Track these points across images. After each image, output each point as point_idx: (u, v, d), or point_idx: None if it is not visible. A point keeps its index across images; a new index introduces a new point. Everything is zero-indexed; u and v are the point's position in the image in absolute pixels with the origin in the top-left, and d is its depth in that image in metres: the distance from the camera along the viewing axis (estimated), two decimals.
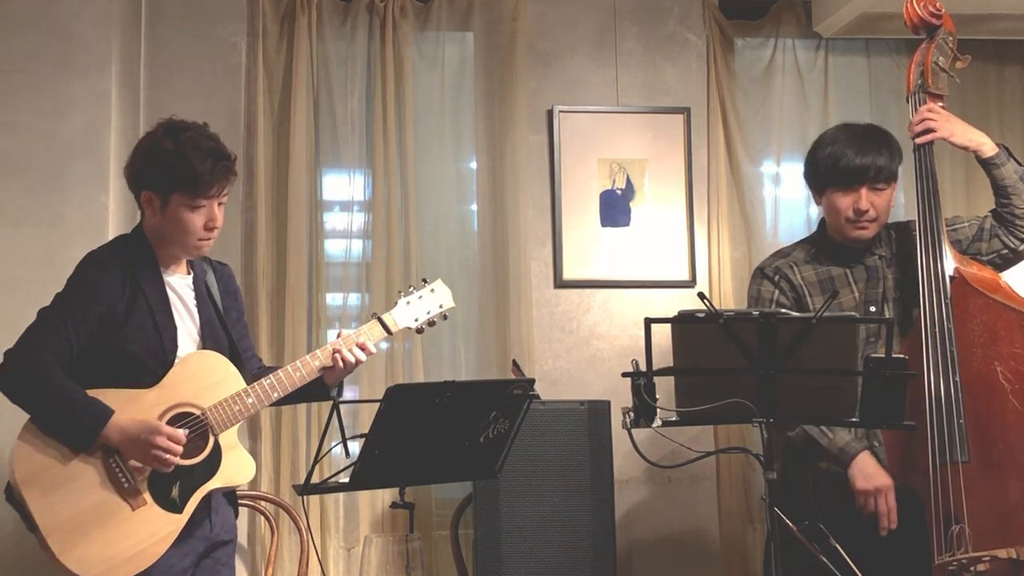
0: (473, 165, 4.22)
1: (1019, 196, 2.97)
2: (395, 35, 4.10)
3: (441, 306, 2.97)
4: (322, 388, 2.82)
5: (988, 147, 2.98)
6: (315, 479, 2.65)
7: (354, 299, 4.07)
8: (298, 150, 3.99)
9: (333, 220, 4.13)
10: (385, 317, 2.90)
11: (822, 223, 3.17)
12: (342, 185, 4.14)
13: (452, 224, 4.20)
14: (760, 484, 3.79)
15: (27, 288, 3.52)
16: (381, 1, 4.11)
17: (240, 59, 4.08)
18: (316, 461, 2.75)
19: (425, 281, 3.00)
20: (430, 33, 4.20)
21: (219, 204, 2.68)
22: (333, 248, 4.11)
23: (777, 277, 3.09)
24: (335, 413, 2.70)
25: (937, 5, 3.07)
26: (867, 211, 2.98)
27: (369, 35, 4.14)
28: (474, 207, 4.21)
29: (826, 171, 3.03)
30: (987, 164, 2.98)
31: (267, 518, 3.63)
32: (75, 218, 3.59)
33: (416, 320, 2.94)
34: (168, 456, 2.51)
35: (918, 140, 2.99)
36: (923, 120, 2.99)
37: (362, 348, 2.81)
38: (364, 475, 2.64)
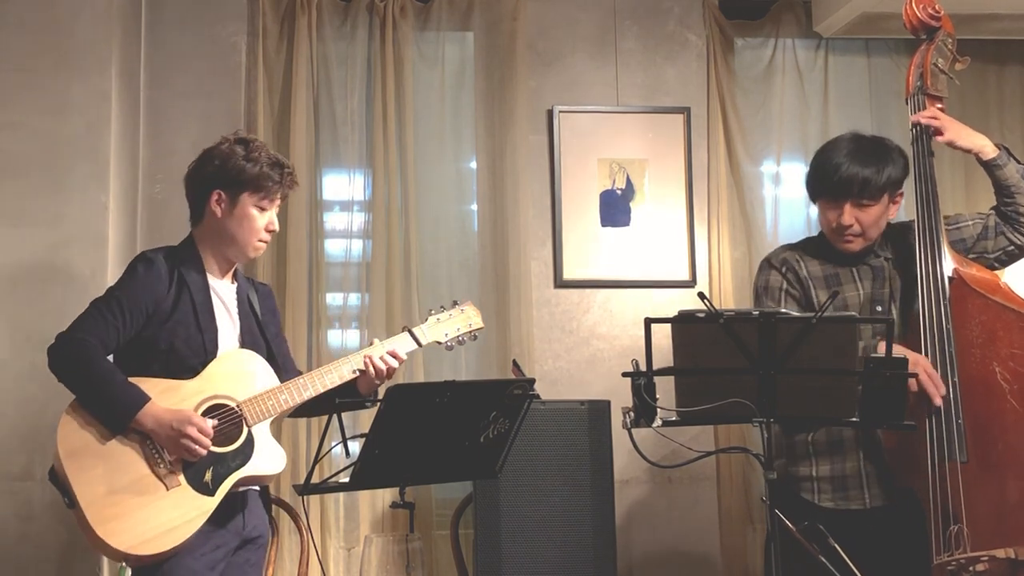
0: (473, 165, 4.22)
1: (1022, 195, 2.98)
2: (395, 35, 4.11)
3: (471, 326, 3.06)
4: (355, 396, 2.89)
5: (989, 149, 2.99)
6: (315, 479, 2.65)
7: (354, 299, 4.07)
8: (298, 150, 3.99)
9: (333, 220, 4.14)
10: (416, 330, 2.98)
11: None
12: (342, 185, 4.14)
13: (452, 224, 4.20)
14: (760, 484, 3.82)
15: (27, 288, 3.53)
16: (381, 1, 4.12)
17: (240, 59, 4.08)
18: (316, 461, 2.76)
19: (456, 303, 3.08)
20: (430, 33, 4.20)
21: (275, 211, 2.87)
22: (333, 248, 4.11)
23: (784, 269, 3.09)
24: (335, 413, 2.73)
25: (936, 7, 3.07)
26: (850, 226, 2.96)
27: (369, 35, 4.14)
28: (474, 207, 4.21)
29: (816, 181, 3.03)
30: (989, 166, 2.99)
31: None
32: (75, 218, 3.59)
33: (446, 335, 3.01)
34: (196, 447, 2.61)
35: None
36: (932, 118, 3.00)
37: (393, 356, 2.89)
38: (364, 475, 2.64)
